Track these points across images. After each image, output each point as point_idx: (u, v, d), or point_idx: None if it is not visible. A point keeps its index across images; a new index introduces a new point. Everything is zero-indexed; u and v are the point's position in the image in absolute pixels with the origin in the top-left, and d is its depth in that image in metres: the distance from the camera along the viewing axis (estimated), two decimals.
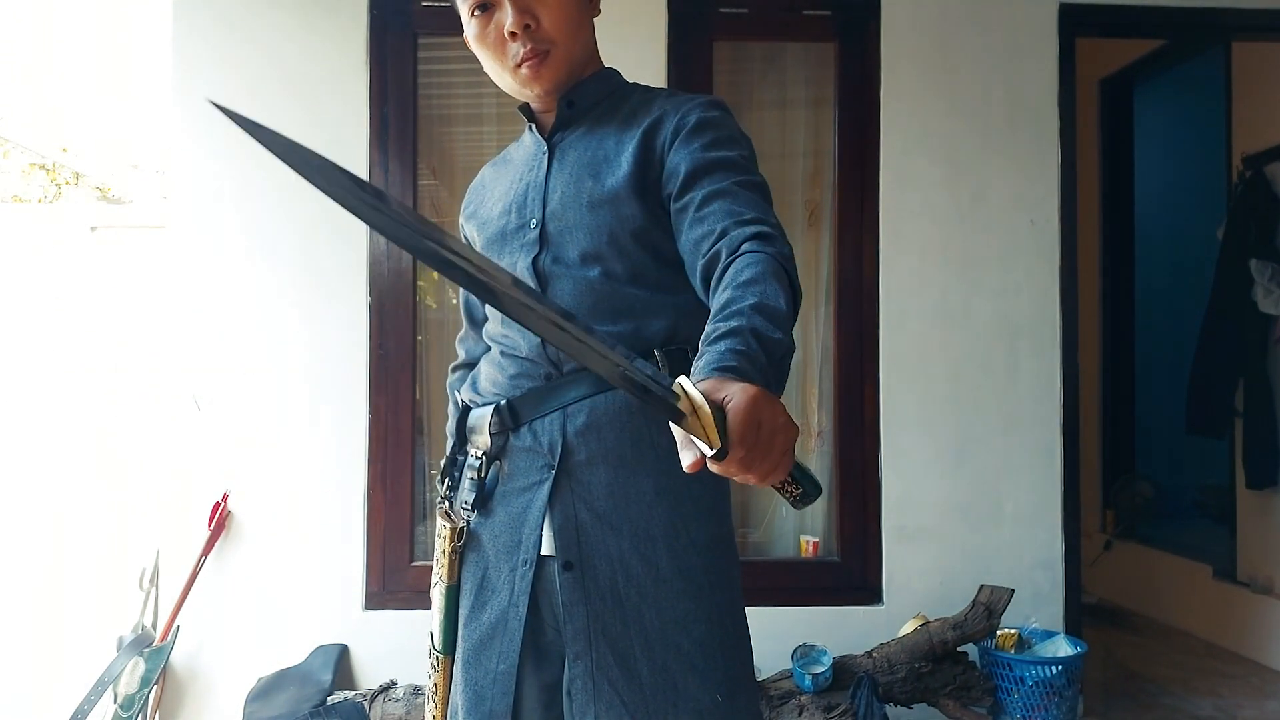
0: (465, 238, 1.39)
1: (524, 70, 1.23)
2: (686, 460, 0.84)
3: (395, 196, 2.95)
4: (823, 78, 3.13)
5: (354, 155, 2.92)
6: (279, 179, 2.90)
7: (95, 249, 2.89)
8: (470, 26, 1.26)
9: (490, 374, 1.28)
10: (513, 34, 1.21)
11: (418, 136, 2.97)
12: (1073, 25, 3.06)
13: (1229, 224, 3.84)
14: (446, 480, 1.29)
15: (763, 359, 0.91)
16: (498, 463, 1.23)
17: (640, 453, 1.16)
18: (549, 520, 1.17)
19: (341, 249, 2.91)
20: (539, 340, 1.18)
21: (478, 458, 1.23)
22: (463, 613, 1.26)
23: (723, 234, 1.07)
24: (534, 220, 1.24)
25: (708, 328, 0.96)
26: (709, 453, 0.82)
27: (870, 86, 3.03)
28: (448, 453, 1.32)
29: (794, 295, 1.02)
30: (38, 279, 2.88)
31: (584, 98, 1.28)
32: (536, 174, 1.27)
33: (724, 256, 1.05)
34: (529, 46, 1.21)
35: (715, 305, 0.99)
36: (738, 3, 3.04)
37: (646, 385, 0.82)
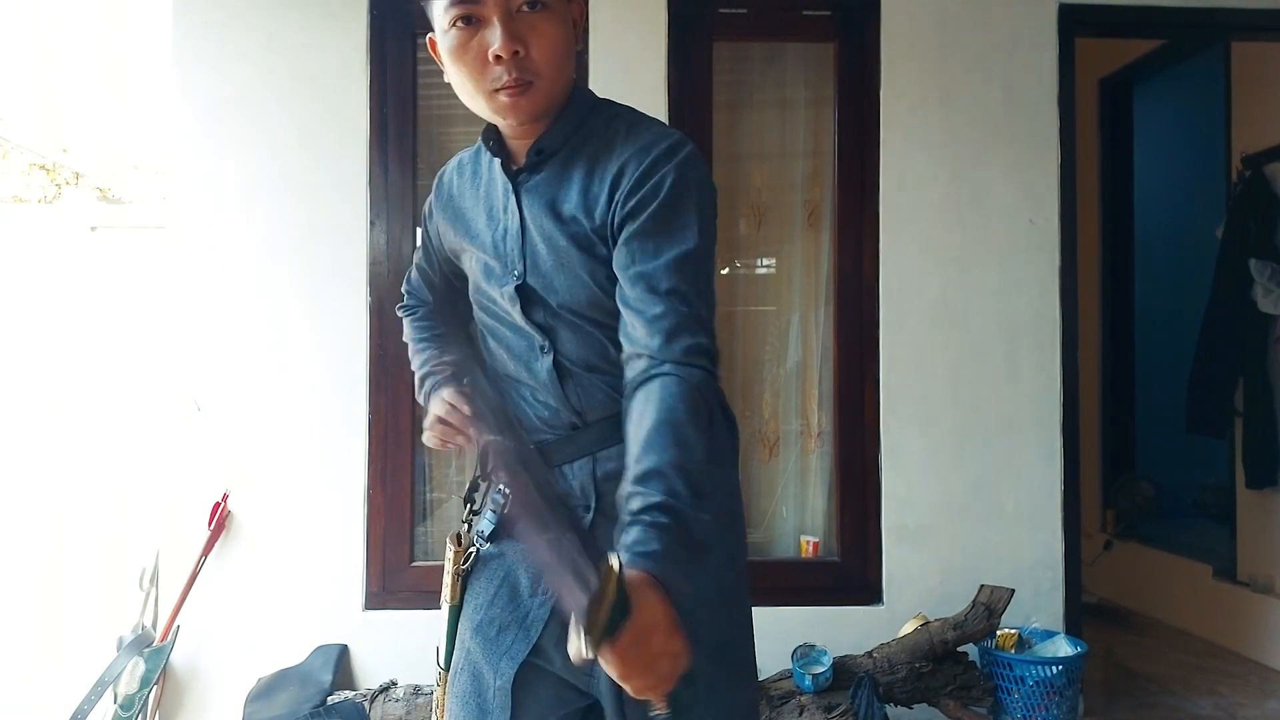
0: (434, 232, 1.39)
1: (502, 97, 1.16)
2: (572, 650, 0.85)
3: (395, 196, 2.95)
4: (822, 78, 3.13)
5: (354, 155, 2.92)
6: (279, 179, 2.91)
7: (95, 249, 2.88)
8: (448, 37, 1.17)
9: (512, 415, 1.27)
10: (498, 58, 1.14)
11: (418, 136, 2.97)
12: (1073, 25, 3.07)
13: (1229, 224, 3.84)
14: (469, 505, 1.33)
15: (684, 546, 0.94)
16: None
17: None
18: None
19: (341, 249, 2.91)
20: (562, 391, 1.22)
21: (503, 494, 1.25)
22: (469, 627, 1.28)
23: (642, 345, 1.10)
24: (516, 272, 1.22)
25: (634, 478, 0.99)
26: (585, 652, 0.84)
27: (870, 86, 3.03)
28: (470, 479, 1.34)
29: (708, 429, 1.05)
30: (38, 279, 2.88)
31: (552, 142, 1.22)
32: (510, 219, 1.24)
33: (642, 373, 1.08)
34: (514, 75, 1.15)
35: (637, 443, 1.02)
36: (738, 3, 3.04)
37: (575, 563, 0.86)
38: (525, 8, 1.15)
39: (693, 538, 0.96)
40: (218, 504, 2.81)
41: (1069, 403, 3.02)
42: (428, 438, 1.30)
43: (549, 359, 1.21)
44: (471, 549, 1.27)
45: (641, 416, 1.04)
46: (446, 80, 1.24)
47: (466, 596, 1.28)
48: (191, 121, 2.90)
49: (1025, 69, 3.04)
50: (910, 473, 2.99)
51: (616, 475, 1.16)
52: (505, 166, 1.25)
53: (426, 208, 1.40)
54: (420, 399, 1.37)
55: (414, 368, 1.41)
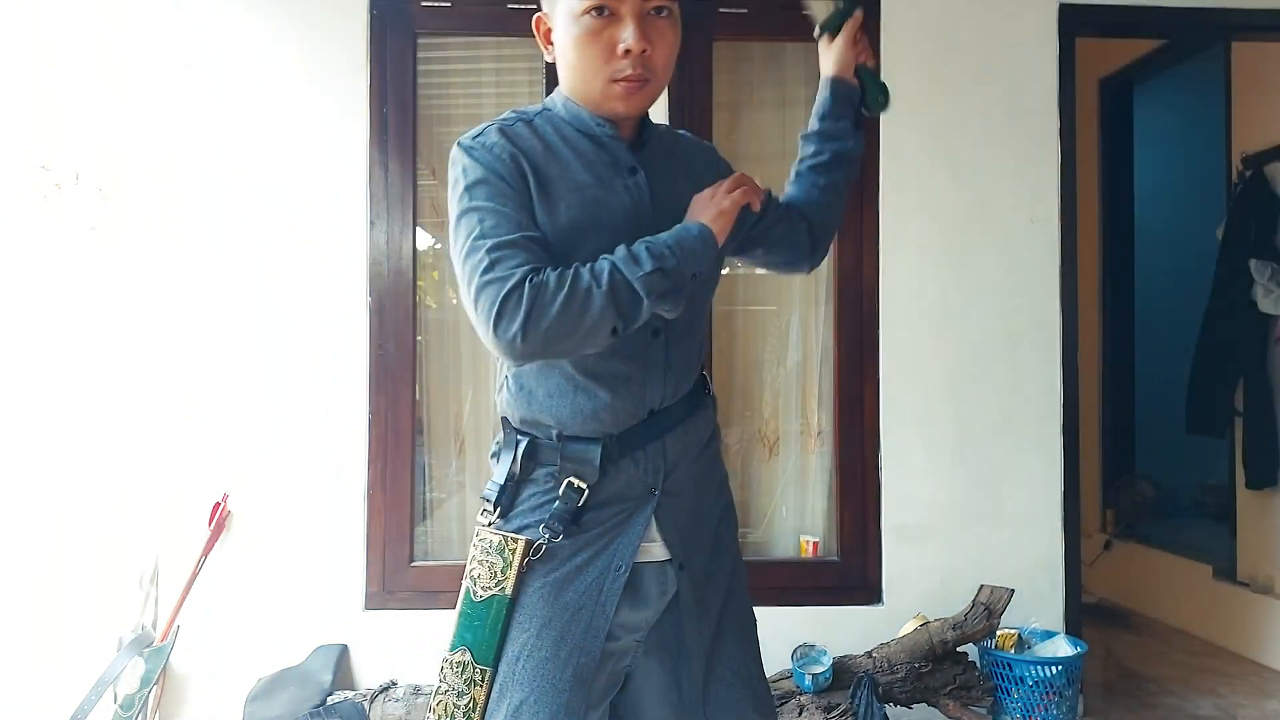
0: (522, 193, 1.22)
1: (619, 88, 1.25)
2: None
3: (395, 196, 2.95)
4: None
5: (354, 155, 2.92)
6: (279, 178, 2.91)
7: (95, 249, 2.88)
8: (578, 23, 1.23)
9: (585, 408, 1.27)
10: (628, 51, 1.23)
11: (418, 136, 2.97)
12: (1073, 25, 3.07)
13: (1229, 224, 3.84)
14: (498, 508, 1.29)
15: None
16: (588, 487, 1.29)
17: (708, 461, 1.39)
18: (658, 530, 1.31)
19: (342, 249, 2.91)
20: (662, 376, 1.30)
21: (577, 487, 1.27)
22: (537, 615, 1.27)
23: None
24: None
25: (812, 149, 1.56)
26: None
27: None
28: (508, 475, 1.30)
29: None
30: (37, 279, 2.88)
31: (648, 129, 1.36)
32: (639, 194, 1.29)
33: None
34: (638, 70, 1.24)
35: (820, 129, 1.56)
36: (738, 2, 3.04)
37: None
38: (653, 12, 1.25)
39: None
40: (218, 504, 2.82)
41: (1069, 403, 3.02)
42: (736, 197, 1.30)
43: (660, 340, 1.28)
44: (540, 541, 1.26)
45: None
46: (549, 60, 1.33)
47: (529, 588, 1.27)
48: (191, 120, 2.90)
49: (1025, 69, 3.04)
50: (910, 473, 2.99)
51: (681, 453, 1.32)
52: (616, 142, 1.30)
53: (503, 168, 1.22)
54: (648, 278, 1.17)
55: (629, 275, 1.17)
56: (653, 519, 1.30)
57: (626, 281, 1.17)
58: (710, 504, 1.39)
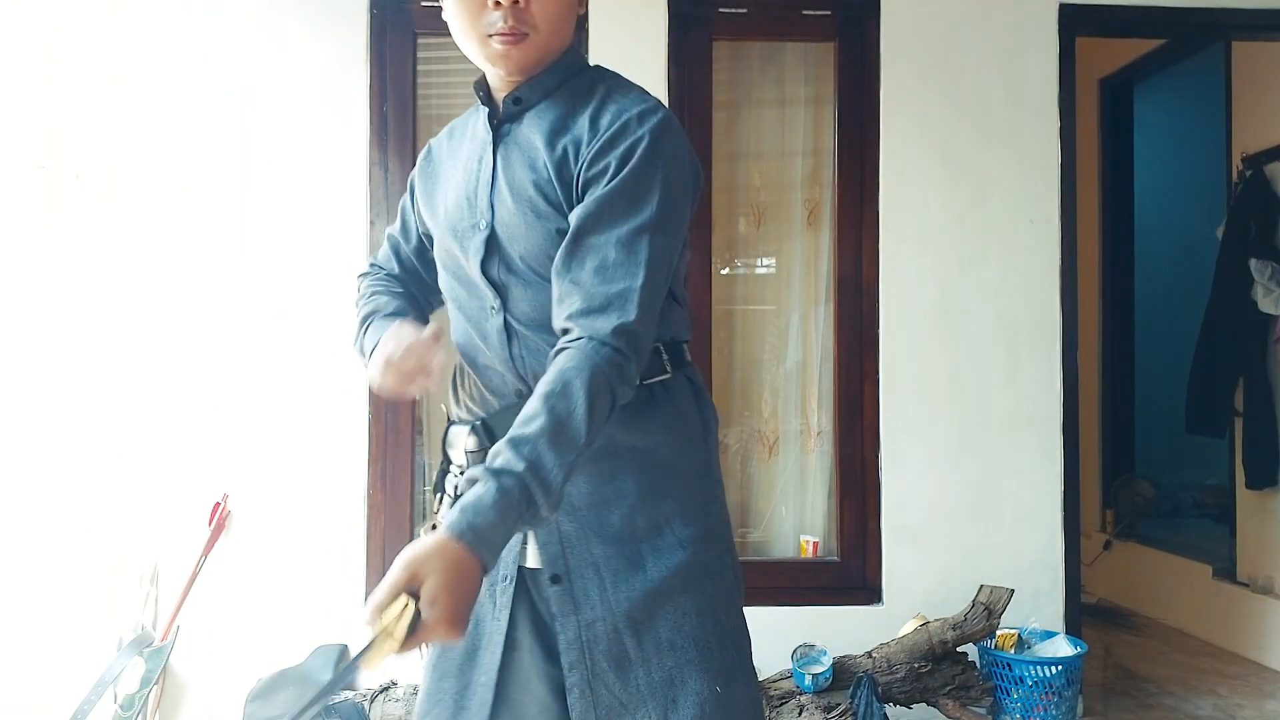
0: (412, 204, 1.43)
1: (495, 44, 1.16)
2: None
3: (395, 196, 2.95)
4: (822, 77, 3.13)
5: (354, 155, 2.92)
6: (279, 179, 2.91)
7: (95, 249, 2.88)
8: None
9: (458, 386, 1.27)
10: (498, 3, 1.14)
11: (417, 136, 2.97)
12: (1073, 25, 3.07)
13: (1229, 224, 3.84)
14: (440, 494, 1.28)
15: (518, 517, 0.95)
16: None
17: (618, 460, 1.16)
18: (533, 535, 1.16)
19: (342, 248, 2.91)
20: (508, 353, 1.19)
21: (456, 476, 1.22)
22: None
23: (569, 315, 1.08)
24: (483, 222, 1.20)
25: (506, 436, 1.00)
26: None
27: (870, 86, 3.03)
28: (440, 464, 1.30)
29: (593, 409, 1.01)
30: (38, 279, 2.88)
31: (532, 94, 1.21)
32: (484, 168, 1.22)
33: (560, 340, 1.08)
34: (510, 23, 1.14)
35: (530, 399, 1.03)
36: (738, 3, 3.04)
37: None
38: None
39: (532, 510, 0.96)
40: (218, 504, 2.81)
41: (1069, 403, 3.02)
42: (379, 383, 1.20)
43: (499, 318, 1.19)
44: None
45: (539, 382, 1.04)
46: (444, 18, 1.23)
47: None
48: (191, 120, 2.90)
49: (1025, 69, 3.04)
50: (910, 473, 2.98)
51: None
52: (490, 117, 1.24)
53: (411, 176, 1.42)
54: (357, 345, 1.37)
55: (357, 316, 1.39)
56: None
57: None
58: (632, 518, 1.15)
